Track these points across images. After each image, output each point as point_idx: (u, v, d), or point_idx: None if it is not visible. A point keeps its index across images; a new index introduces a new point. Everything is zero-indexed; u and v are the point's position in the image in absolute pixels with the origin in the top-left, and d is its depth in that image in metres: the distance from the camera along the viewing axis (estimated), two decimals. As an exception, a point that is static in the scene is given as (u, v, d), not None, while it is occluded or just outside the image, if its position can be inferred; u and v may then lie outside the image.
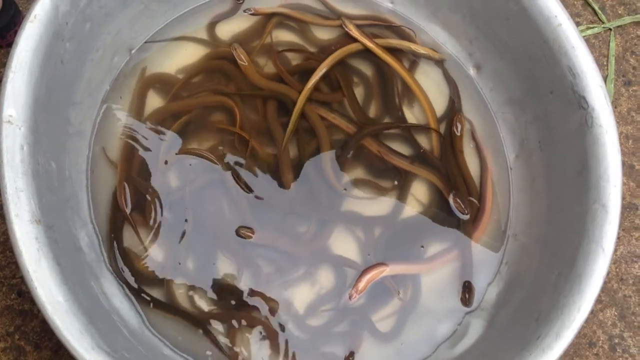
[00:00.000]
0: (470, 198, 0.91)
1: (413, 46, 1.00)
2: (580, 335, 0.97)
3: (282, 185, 0.89)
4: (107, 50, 0.90)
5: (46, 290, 0.65)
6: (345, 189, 0.91)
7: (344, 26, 0.99)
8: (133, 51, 0.95)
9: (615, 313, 0.98)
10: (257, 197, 0.88)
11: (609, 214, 0.74)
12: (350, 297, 0.84)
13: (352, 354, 0.83)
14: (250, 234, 0.86)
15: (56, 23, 0.77)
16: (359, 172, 0.93)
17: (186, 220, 0.86)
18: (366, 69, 0.99)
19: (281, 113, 0.93)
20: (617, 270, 1.00)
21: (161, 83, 0.94)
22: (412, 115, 0.97)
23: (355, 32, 0.98)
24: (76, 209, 0.83)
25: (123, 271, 0.83)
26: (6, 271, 0.92)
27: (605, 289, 0.99)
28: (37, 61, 0.74)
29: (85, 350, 0.64)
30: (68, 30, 0.80)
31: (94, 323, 0.67)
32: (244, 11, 1.00)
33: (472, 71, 1.00)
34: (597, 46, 1.14)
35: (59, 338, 0.64)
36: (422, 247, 0.89)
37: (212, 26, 0.98)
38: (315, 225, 0.89)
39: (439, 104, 0.98)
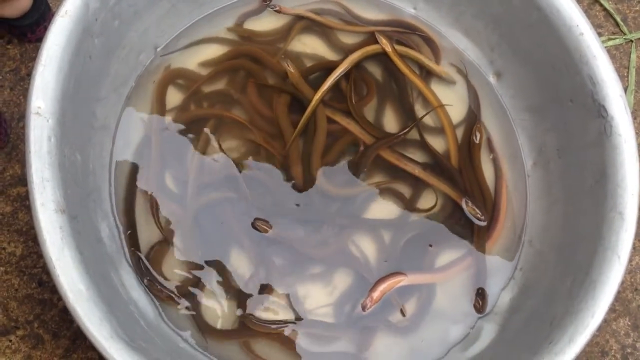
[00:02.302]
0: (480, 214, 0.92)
1: (432, 65, 1.00)
2: (592, 344, 0.97)
3: (293, 179, 0.90)
4: (134, 48, 0.92)
5: (68, 278, 0.66)
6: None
7: (378, 40, 0.99)
8: (158, 49, 0.97)
9: (629, 323, 0.98)
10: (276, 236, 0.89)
11: (626, 221, 0.74)
12: (363, 308, 0.84)
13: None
14: (267, 227, 0.87)
15: (86, 19, 0.79)
16: (374, 178, 0.93)
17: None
18: (377, 71, 1.00)
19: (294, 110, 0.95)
20: (632, 280, 1.00)
21: (183, 79, 0.96)
22: (428, 120, 0.98)
23: (388, 47, 0.99)
24: (99, 202, 0.84)
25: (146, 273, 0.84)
26: (27, 261, 0.94)
27: (619, 298, 0.99)
28: (66, 56, 0.76)
29: (105, 338, 0.65)
30: (97, 27, 0.82)
31: (113, 312, 0.68)
32: (269, 7, 1.01)
33: (492, 78, 1.00)
34: (617, 57, 1.14)
35: (79, 325, 0.65)
36: (431, 246, 0.90)
37: (239, 26, 1.00)
38: (332, 230, 0.89)
39: (458, 111, 0.99)
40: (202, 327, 0.82)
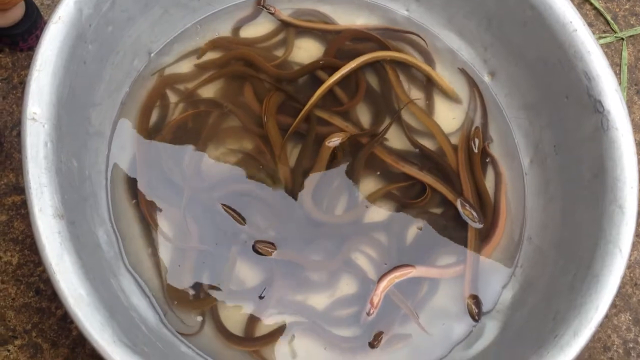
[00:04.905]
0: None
1: (442, 82, 1.00)
2: (595, 339, 0.97)
3: (282, 179, 0.90)
4: (128, 54, 0.92)
5: (68, 283, 0.66)
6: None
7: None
8: (152, 54, 0.96)
9: (630, 317, 0.98)
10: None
11: (626, 215, 0.74)
12: (371, 303, 0.84)
13: (378, 336, 0.83)
14: (270, 250, 0.85)
15: (79, 25, 0.79)
16: (371, 184, 0.93)
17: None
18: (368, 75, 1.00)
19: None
20: (632, 275, 1.00)
21: (178, 82, 0.95)
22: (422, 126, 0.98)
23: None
24: (95, 208, 0.83)
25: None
26: (24, 269, 0.93)
27: (619, 294, 0.99)
28: (60, 61, 0.75)
29: (107, 343, 0.64)
30: (91, 33, 0.81)
31: (115, 317, 0.68)
32: (264, 7, 1.01)
33: (486, 78, 1.01)
34: (609, 55, 1.15)
35: (81, 331, 0.64)
36: (420, 229, 0.90)
37: (235, 32, 1.00)
38: (334, 244, 0.89)
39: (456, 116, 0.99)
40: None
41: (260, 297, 0.84)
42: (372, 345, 0.83)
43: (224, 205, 0.87)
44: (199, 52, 0.97)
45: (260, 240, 0.85)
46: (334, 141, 0.91)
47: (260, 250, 0.84)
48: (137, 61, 0.94)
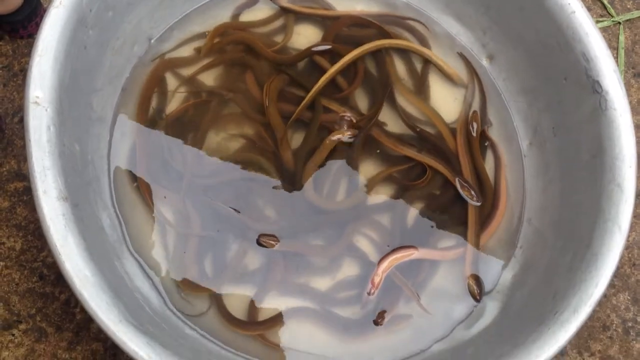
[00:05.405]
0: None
1: (445, 66, 1.00)
2: (594, 319, 0.98)
3: (284, 163, 0.90)
4: (128, 39, 0.92)
5: (73, 264, 0.66)
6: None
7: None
8: (152, 41, 0.96)
9: (629, 297, 0.99)
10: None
11: (625, 193, 0.75)
12: (372, 283, 0.84)
13: (382, 314, 0.84)
14: (273, 242, 0.86)
15: (80, 10, 0.79)
16: (371, 168, 0.93)
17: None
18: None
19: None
20: (630, 255, 1.01)
21: (178, 66, 0.96)
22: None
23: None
24: (98, 192, 0.84)
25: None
26: (27, 255, 0.93)
27: (618, 274, 1.00)
28: (62, 46, 0.76)
29: (113, 322, 0.65)
30: (91, 18, 0.82)
31: (120, 298, 0.68)
32: None
33: (485, 62, 1.01)
34: (606, 39, 1.15)
35: (87, 311, 0.65)
36: (421, 211, 0.91)
37: (235, 18, 1.01)
38: (335, 230, 0.90)
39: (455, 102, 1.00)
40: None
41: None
42: (376, 322, 0.84)
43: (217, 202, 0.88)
44: (206, 39, 0.97)
45: (264, 234, 0.86)
46: (339, 137, 0.92)
47: (263, 244, 0.86)
48: (137, 47, 0.94)
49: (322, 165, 0.91)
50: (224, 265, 0.86)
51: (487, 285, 0.88)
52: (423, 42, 1.03)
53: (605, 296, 0.98)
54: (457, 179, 0.91)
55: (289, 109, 0.93)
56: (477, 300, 0.86)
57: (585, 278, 0.73)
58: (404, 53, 1.01)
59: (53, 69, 0.74)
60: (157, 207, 0.87)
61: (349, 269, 0.88)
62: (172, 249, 0.86)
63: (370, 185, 0.92)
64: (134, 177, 0.88)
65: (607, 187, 0.77)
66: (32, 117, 0.71)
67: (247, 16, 1.01)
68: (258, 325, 0.84)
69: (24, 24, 1.02)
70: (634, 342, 0.97)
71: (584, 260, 0.75)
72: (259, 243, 0.86)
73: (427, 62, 1.01)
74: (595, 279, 0.72)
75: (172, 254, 0.86)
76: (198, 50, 0.97)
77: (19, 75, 1.03)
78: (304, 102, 0.92)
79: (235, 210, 0.87)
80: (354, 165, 0.92)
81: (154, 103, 0.93)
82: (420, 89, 0.99)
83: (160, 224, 0.87)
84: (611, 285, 0.99)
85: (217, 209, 0.88)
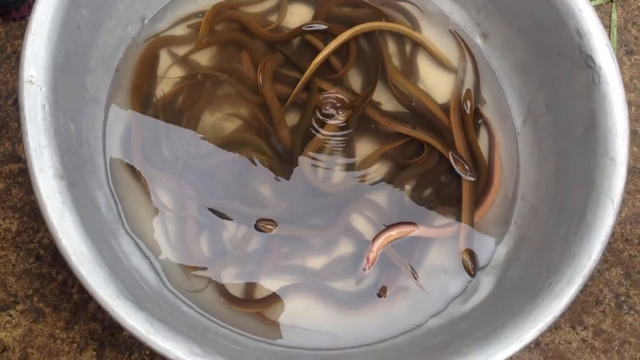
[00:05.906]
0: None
1: (435, 50, 1.00)
2: (587, 293, 0.99)
3: (281, 140, 0.90)
4: (121, 19, 0.92)
5: (71, 241, 0.66)
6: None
7: None
8: (146, 21, 0.96)
9: (621, 272, 1.00)
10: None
11: (617, 166, 0.76)
12: (367, 259, 0.85)
13: (384, 289, 0.85)
14: (271, 227, 0.86)
15: (73, -12, 0.79)
16: (367, 147, 0.94)
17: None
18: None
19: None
20: (622, 231, 1.02)
21: (172, 45, 0.96)
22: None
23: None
24: (94, 172, 0.84)
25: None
26: (23, 236, 0.93)
27: (610, 249, 1.01)
28: (55, 25, 0.75)
29: (111, 298, 0.65)
30: (84, -4, 0.81)
31: (117, 275, 0.68)
32: None
33: (479, 40, 1.01)
34: (599, 17, 1.15)
35: (84, 287, 0.65)
36: (416, 189, 0.92)
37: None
38: (332, 212, 0.90)
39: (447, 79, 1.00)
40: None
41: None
42: (379, 295, 0.85)
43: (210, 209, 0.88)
44: (204, 19, 0.96)
45: (262, 219, 0.86)
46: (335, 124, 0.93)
47: (262, 229, 0.86)
48: (130, 27, 0.94)
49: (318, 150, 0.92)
50: (222, 245, 0.86)
51: (482, 261, 0.89)
52: (413, 22, 1.02)
53: (599, 271, 0.99)
54: (450, 153, 0.92)
55: (285, 91, 0.93)
56: (472, 275, 0.87)
57: (578, 251, 0.73)
58: (397, 35, 1.01)
59: (47, 48, 0.74)
60: (153, 188, 0.88)
61: (345, 248, 0.89)
62: (170, 228, 0.86)
63: (366, 164, 0.92)
64: (129, 158, 0.88)
65: (600, 161, 0.77)
66: (27, 96, 0.71)
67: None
68: (256, 303, 0.84)
69: (16, 6, 1.02)
70: (627, 315, 0.98)
71: (577, 233, 0.76)
72: (257, 228, 0.86)
73: (416, 44, 1.01)
74: (589, 251, 0.73)
75: (170, 234, 0.86)
76: (194, 27, 0.96)
77: (12, 58, 1.02)
78: (299, 83, 0.93)
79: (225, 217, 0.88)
80: (350, 145, 0.92)
81: (147, 84, 0.93)
82: (411, 70, 0.99)
83: (156, 204, 0.87)
84: (604, 260, 1.00)
85: (214, 189, 0.88)
